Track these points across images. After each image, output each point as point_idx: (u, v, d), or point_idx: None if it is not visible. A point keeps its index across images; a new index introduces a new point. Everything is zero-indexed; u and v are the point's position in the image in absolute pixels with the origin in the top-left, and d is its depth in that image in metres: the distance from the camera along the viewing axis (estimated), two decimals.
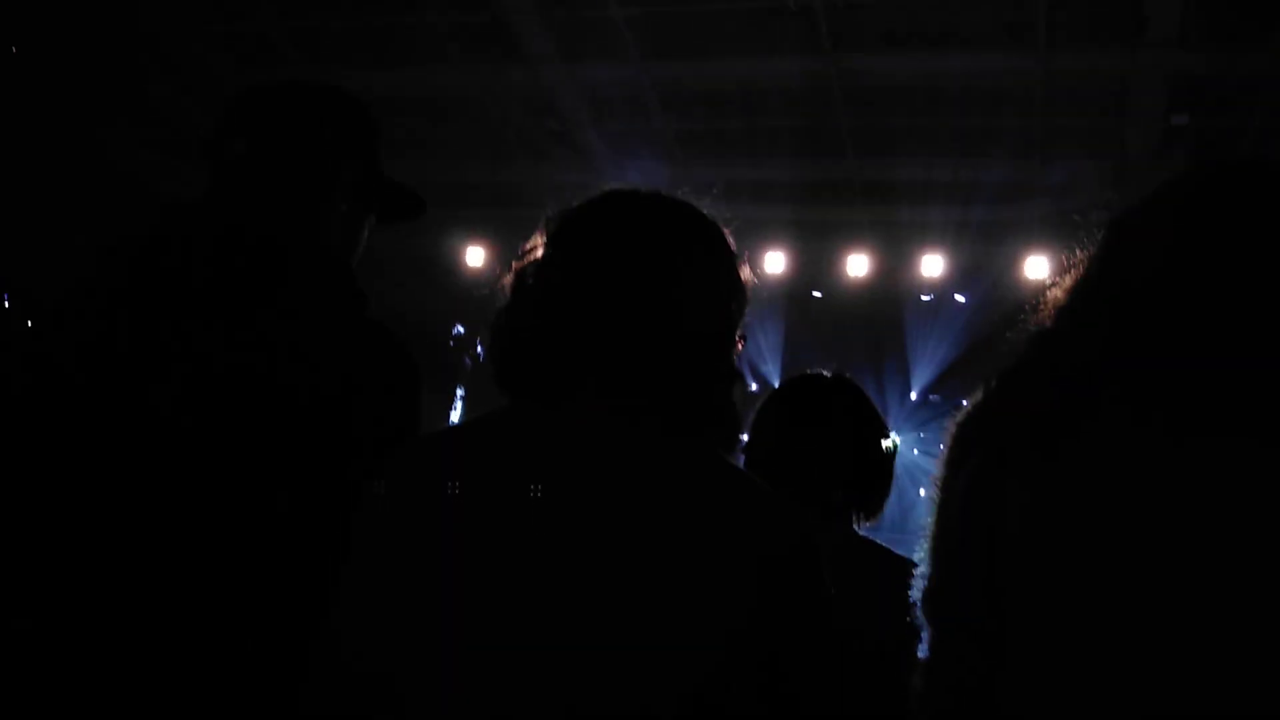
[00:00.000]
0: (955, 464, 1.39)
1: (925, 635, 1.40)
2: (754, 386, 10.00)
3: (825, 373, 2.54)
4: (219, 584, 1.57)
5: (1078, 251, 1.44)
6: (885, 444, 2.41)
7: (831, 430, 2.40)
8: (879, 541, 2.35)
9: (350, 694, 1.37)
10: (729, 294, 1.55)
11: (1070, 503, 1.25)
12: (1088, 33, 6.94)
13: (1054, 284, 1.46)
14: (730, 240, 1.58)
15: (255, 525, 1.59)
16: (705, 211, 1.58)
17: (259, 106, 1.93)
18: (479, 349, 9.26)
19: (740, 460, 2.35)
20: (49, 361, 1.72)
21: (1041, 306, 1.45)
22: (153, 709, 1.54)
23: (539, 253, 1.55)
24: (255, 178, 1.85)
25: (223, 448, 1.61)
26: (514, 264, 1.58)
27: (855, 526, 2.40)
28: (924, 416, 11.24)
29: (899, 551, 2.19)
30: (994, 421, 1.35)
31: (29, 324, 1.82)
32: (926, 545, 1.41)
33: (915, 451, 11.27)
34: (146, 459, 1.61)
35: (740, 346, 1.56)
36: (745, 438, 2.45)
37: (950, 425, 1.41)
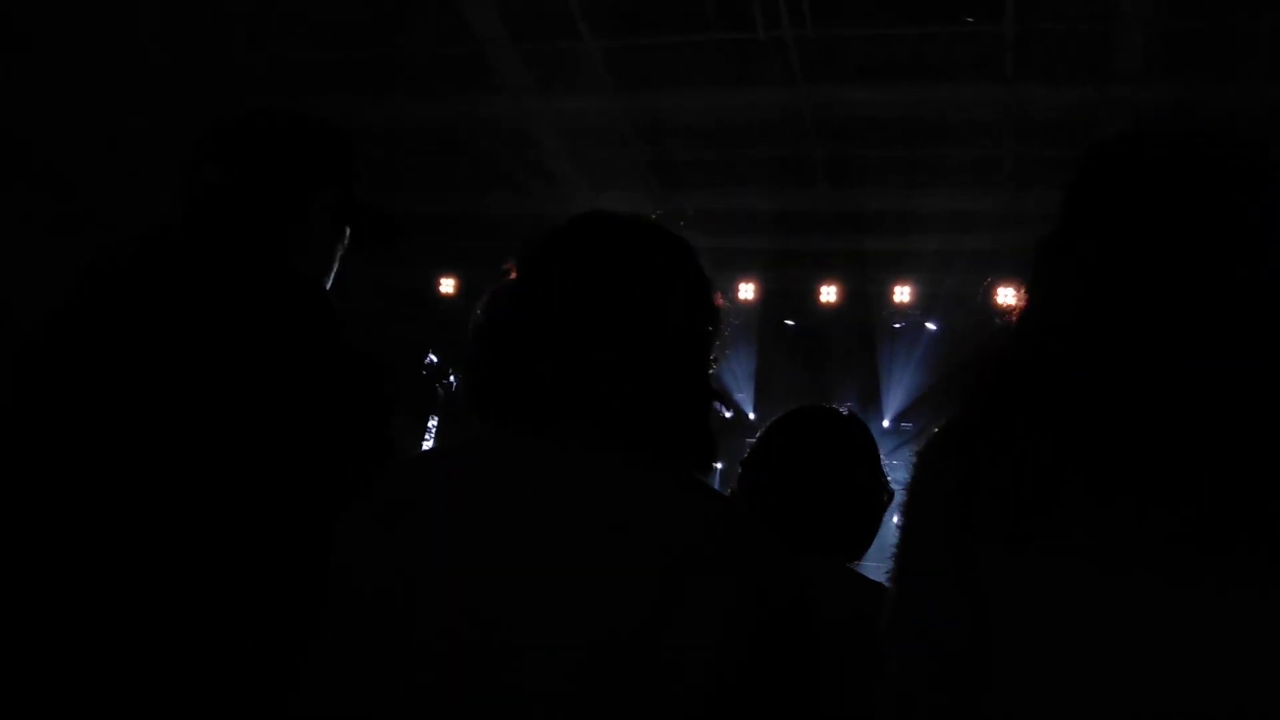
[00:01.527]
0: (921, 497, 1.40)
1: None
2: (728, 414, 10.01)
3: (841, 409, 2.54)
4: (191, 624, 1.58)
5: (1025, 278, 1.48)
6: (882, 490, 2.40)
7: (826, 466, 2.39)
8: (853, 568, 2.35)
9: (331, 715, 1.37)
10: (703, 317, 1.55)
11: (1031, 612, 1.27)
12: (1057, 66, 7.03)
13: (1005, 313, 1.48)
14: (701, 264, 1.59)
15: (231, 552, 1.60)
16: (677, 235, 1.59)
17: (234, 134, 1.94)
18: (452, 378, 9.25)
19: (728, 481, 2.34)
20: (20, 392, 1.73)
21: (994, 335, 1.47)
22: None
23: (513, 277, 1.55)
24: (229, 204, 1.86)
25: (196, 474, 1.61)
26: (488, 290, 1.58)
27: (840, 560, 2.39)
28: (895, 443, 11.28)
29: (871, 576, 2.19)
30: (959, 483, 1.35)
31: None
32: (892, 574, 1.41)
33: (888, 478, 11.26)
34: (117, 494, 1.61)
35: (714, 369, 1.56)
36: (745, 460, 2.44)
37: (915, 455, 1.42)
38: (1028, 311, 1.45)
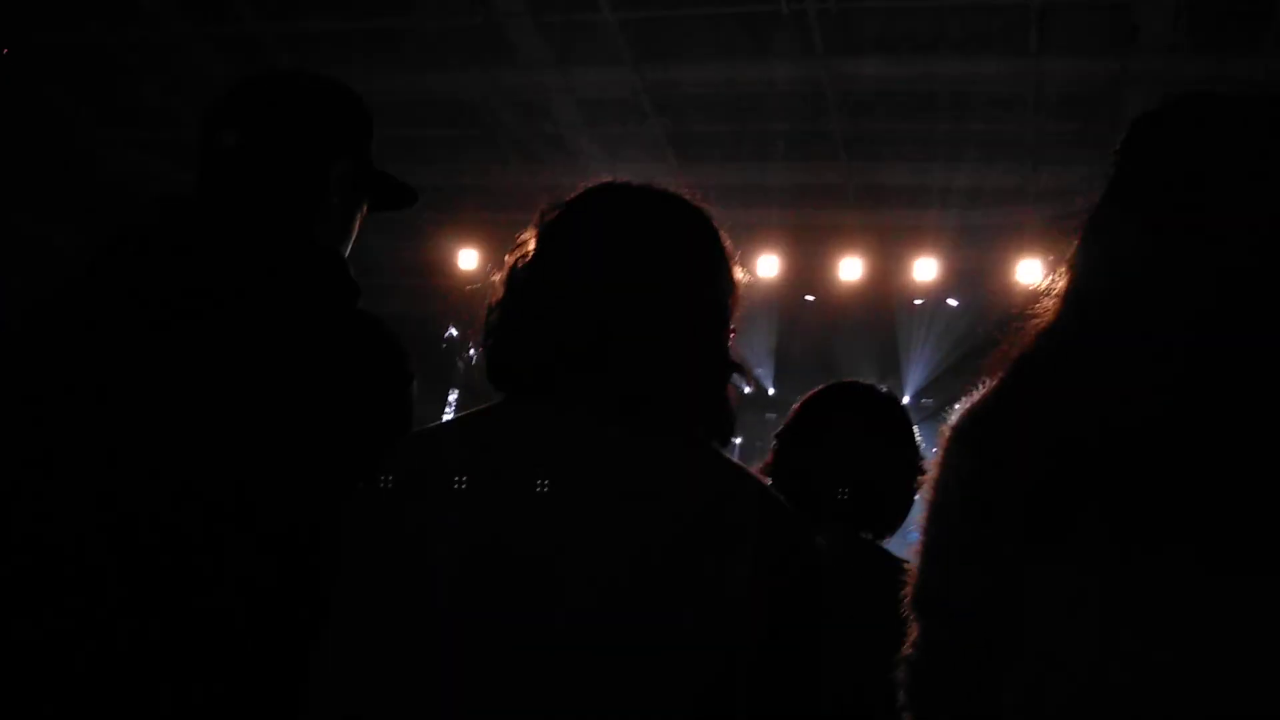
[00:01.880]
0: (947, 476, 1.39)
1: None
2: (747, 389, 10.00)
3: (878, 386, 2.52)
4: (211, 591, 1.57)
5: (1065, 254, 1.43)
6: (916, 470, 2.38)
7: (847, 441, 2.38)
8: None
9: (348, 695, 1.37)
10: (722, 287, 1.54)
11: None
12: (1079, 38, 6.97)
13: (1045, 289, 1.45)
14: (722, 233, 1.57)
15: (249, 523, 1.59)
16: (696, 204, 1.57)
17: (251, 98, 1.90)
18: (472, 352, 9.26)
19: (748, 457, 2.33)
20: (33, 364, 1.72)
21: (1034, 312, 1.44)
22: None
23: (531, 246, 1.54)
24: (247, 170, 1.84)
25: (215, 445, 1.61)
26: (506, 258, 1.56)
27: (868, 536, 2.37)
28: (916, 419, 11.25)
29: (892, 551, 2.19)
30: (988, 471, 1.33)
31: (17, 325, 1.81)
32: (919, 545, 1.40)
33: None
34: (136, 457, 1.60)
35: (731, 339, 1.55)
36: (779, 432, 2.43)
37: (944, 430, 1.41)
38: (1073, 288, 1.41)
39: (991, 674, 1.29)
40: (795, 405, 2.48)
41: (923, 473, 2.37)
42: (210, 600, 1.56)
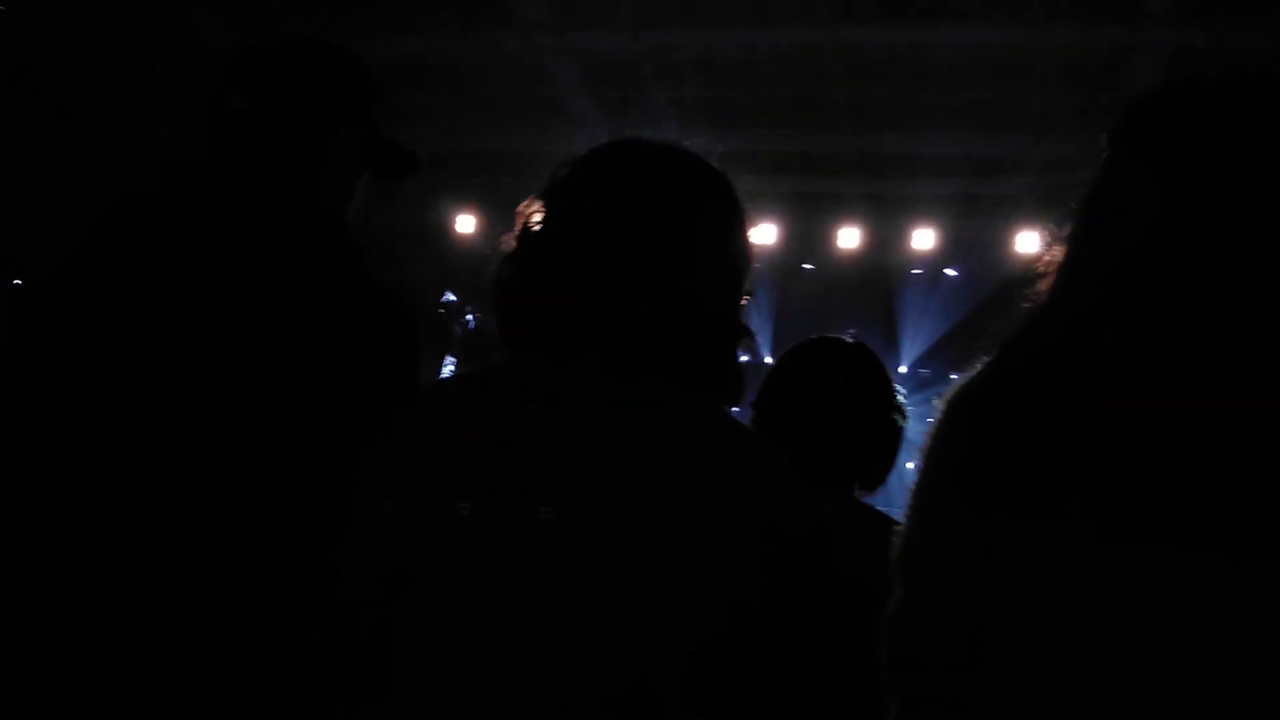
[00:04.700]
0: (942, 451, 1.38)
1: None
2: (744, 357, 10.00)
3: (845, 337, 2.51)
4: (225, 557, 1.57)
5: (1059, 234, 1.42)
6: (894, 415, 2.39)
7: (830, 395, 2.37)
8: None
9: (350, 653, 1.37)
10: (738, 250, 1.53)
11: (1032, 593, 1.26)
12: (1084, 7, 6.92)
13: (1041, 266, 1.44)
14: (736, 194, 1.56)
15: (259, 490, 1.59)
16: (712, 165, 1.56)
17: (260, 63, 1.90)
18: (469, 317, 9.26)
19: (747, 418, 2.33)
20: (42, 337, 1.72)
21: (1031, 291, 1.43)
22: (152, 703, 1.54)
23: (545, 202, 1.52)
24: (255, 134, 1.83)
25: (224, 410, 1.60)
26: (519, 213, 1.54)
27: (856, 493, 2.38)
28: (912, 388, 11.28)
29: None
30: (977, 451, 1.33)
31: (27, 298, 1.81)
32: (907, 512, 1.40)
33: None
34: (149, 424, 1.60)
35: (744, 303, 1.54)
36: (754, 401, 2.43)
37: (941, 404, 1.40)
38: (1065, 270, 1.40)
39: (967, 645, 1.29)
40: (768, 371, 2.47)
41: (904, 417, 2.38)
42: (228, 579, 1.56)
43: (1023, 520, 1.25)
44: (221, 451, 1.59)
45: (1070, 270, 1.38)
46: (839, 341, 2.48)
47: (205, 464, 1.58)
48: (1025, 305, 1.42)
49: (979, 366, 1.38)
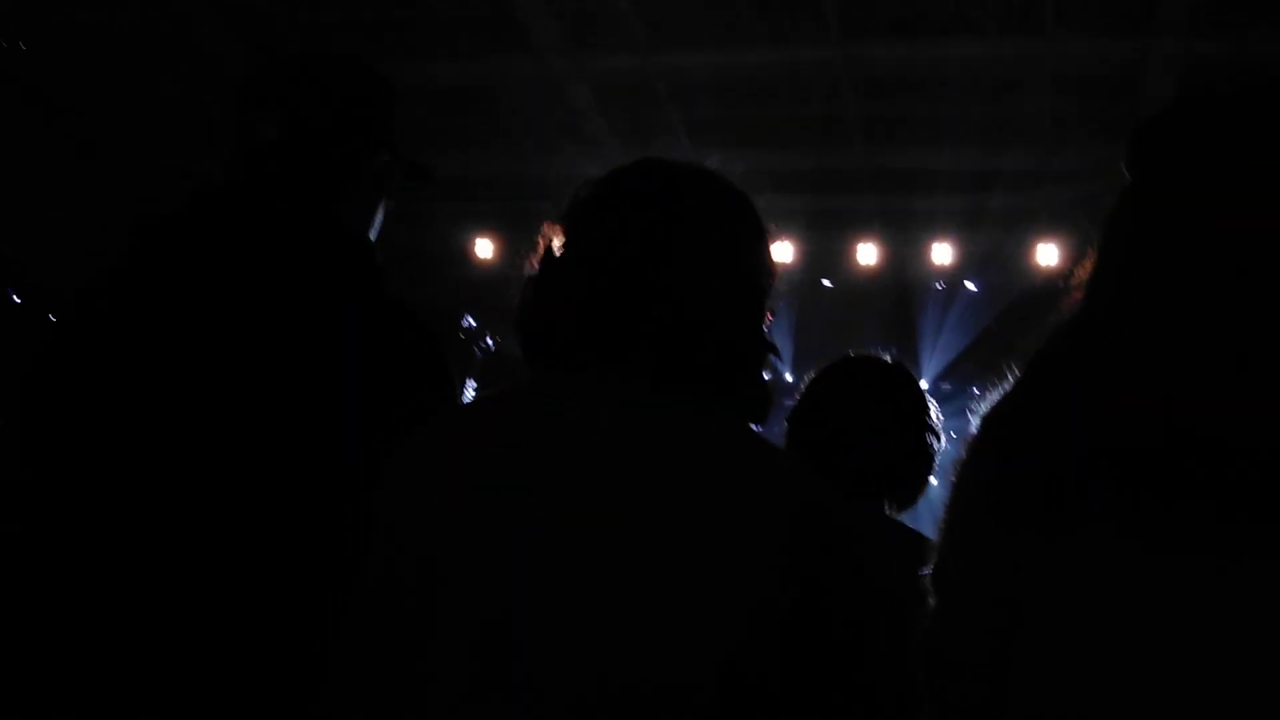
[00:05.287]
0: (974, 472, 1.38)
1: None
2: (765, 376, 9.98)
3: (883, 355, 2.51)
4: (245, 568, 1.59)
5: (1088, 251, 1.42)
6: (926, 434, 2.38)
7: (863, 413, 2.37)
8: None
9: (377, 657, 1.37)
10: (759, 266, 1.53)
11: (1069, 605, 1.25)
12: (1098, 18, 6.90)
13: (1068, 281, 1.43)
14: (757, 212, 1.56)
15: (280, 508, 1.59)
16: (733, 183, 1.57)
17: (290, 88, 1.90)
18: (488, 340, 9.27)
19: (778, 432, 2.33)
20: (70, 353, 1.73)
21: (1059, 307, 1.43)
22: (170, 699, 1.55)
23: (566, 222, 1.53)
24: (287, 163, 1.83)
25: (248, 431, 1.61)
26: (541, 233, 1.55)
27: (889, 511, 2.37)
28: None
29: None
30: (1005, 470, 1.32)
31: (54, 315, 1.83)
32: (941, 530, 1.40)
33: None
34: (174, 446, 1.63)
35: (769, 319, 1.55)
36: (789, 415, 2.43)
37: (977, 423, 1.40)
38: (1090, 290, 1.39)
39: (997, 653, 1.29)
40: (803, 385, 2.47)
41: (937, 436, 2.37)
42: (246, 591, 1.57)
43: (1050, 533, 1.24)
44: (245, 459, 1.60)
45: (1095, 290, 1.38)
46: (874, 359, 2.48)
47: (231, 471, 1.61)
48: (1054, 320, 1.41)
49: (1009, 384, 1.38)
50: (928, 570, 1.40)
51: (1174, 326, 1.24)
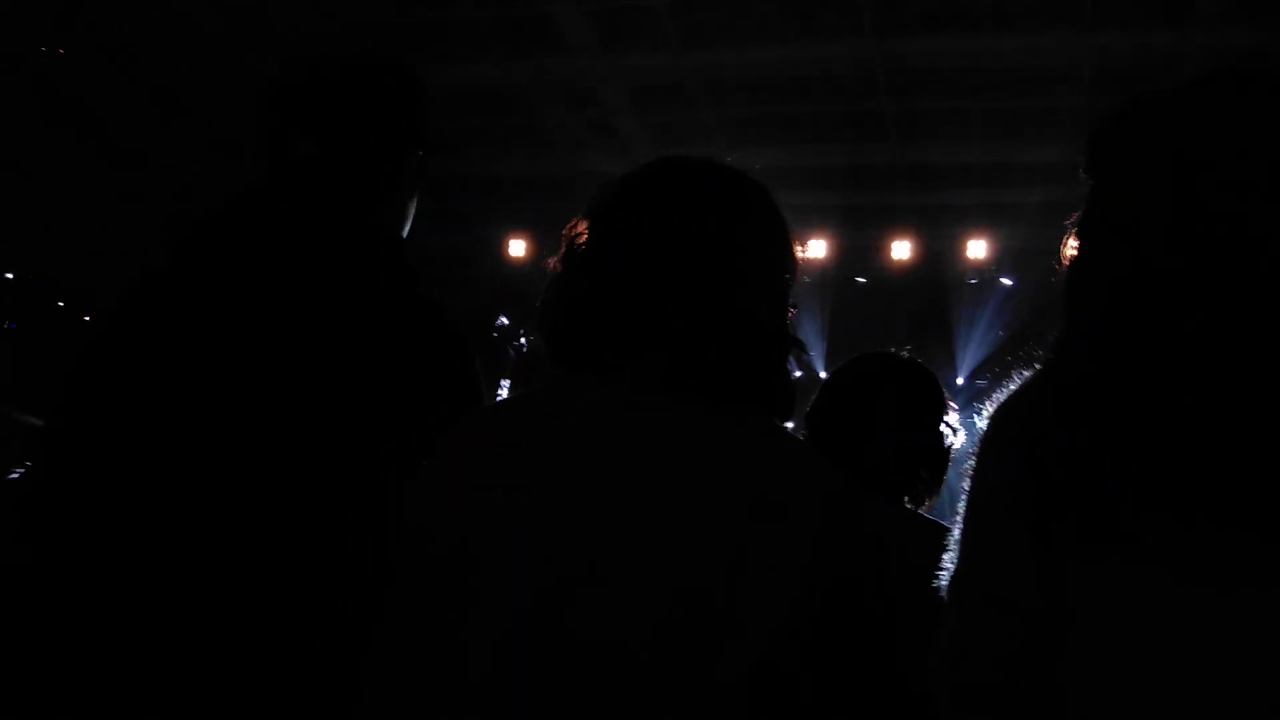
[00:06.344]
0: (988, 466, 1.37)
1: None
2: (798, 373, 9.96)
3: (902, 352, 2.51)
4: (268, 568, 1.60)
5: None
6: (942, 430, 2.38)
7: (879, 409, 2.37)
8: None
9: (405, 668, 1.39)
10: (783, 264, 1.53)
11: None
12: (1135, 11, 6.85)
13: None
14: (779, 209, 1.56)
15: (279, 507, 1.61)
16: (755, 179, 1.56)
17: (321, 86, 1.90)
18: (522, 340, 9.31)
19: (797, 430, 2.33)
20: (108, 356, 1.76)
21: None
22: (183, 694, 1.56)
23: (589, 221, 1.53)
24: (322, 166, 1.84)
25: (282, 430, 1.63)
26: (564, 234, 1.55)
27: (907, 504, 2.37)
28: (969, 398, 11.15)
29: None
30: (1026, 471, 1.32)
31: (92, 320, 1.85)
32: (959, 536, 1.39)
33: (962, 435, 11.14)
34: (209, 446, 1.64)
35: (791, 315, 1.54)
36: (807, 413, 2.43)
37: (988, 420, 1.39)
38: (1069, 289, 1.40)
39: (1032, 670, 1.28)
40: (821, 385, 2.47)
41: (953, 430, 2.37)
42: (278, 587, 1.59)
43: (1094, 541, 1.24)
44: (245, 459, 1.62)
45: (1073, 288, 1.39)
46: (890, 355, 2.48)
47: (231, 471, 1.62)
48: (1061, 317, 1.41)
49: (1023, 380, 1.37)
50: (947, 569, 1.39)
51: (1155, 332, 1.24)
